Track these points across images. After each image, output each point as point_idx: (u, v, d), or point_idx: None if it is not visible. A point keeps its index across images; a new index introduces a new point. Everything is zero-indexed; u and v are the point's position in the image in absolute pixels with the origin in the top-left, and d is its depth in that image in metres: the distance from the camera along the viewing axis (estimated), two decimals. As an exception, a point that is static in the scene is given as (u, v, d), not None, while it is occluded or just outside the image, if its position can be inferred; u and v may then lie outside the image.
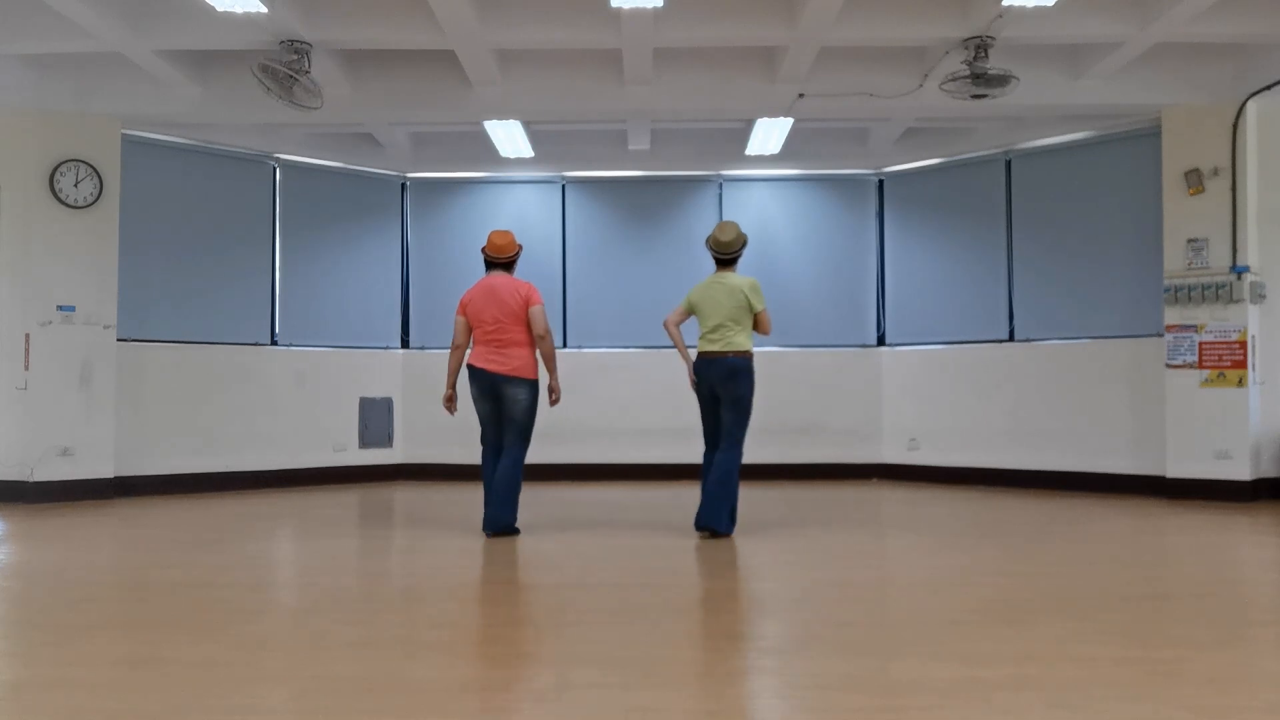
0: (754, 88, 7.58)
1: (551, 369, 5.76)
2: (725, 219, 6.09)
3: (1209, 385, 7.27)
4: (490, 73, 7.28)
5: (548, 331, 5.70)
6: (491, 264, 5.85)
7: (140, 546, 5.46)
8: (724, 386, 5.55)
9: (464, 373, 5.78)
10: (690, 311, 5.76)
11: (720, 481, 5.51)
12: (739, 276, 5.68)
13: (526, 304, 5.67)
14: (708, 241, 5.78)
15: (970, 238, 8.86)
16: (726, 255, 5.71)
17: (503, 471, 5.62)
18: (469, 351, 5.78)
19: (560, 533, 5.81)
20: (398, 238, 9.56)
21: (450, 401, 5.83)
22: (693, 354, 5.76)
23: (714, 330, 5.60)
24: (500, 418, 5.70)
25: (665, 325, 5.77)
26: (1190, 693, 2.68)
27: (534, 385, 5.70)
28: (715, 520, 5.51)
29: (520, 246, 5.94)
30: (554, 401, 5.80)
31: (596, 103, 7.72)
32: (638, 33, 6.55)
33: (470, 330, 5.74)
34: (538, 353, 5.75)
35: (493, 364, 5.62)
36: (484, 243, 5.95)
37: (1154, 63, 7.21)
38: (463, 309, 5.76)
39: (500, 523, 5.62)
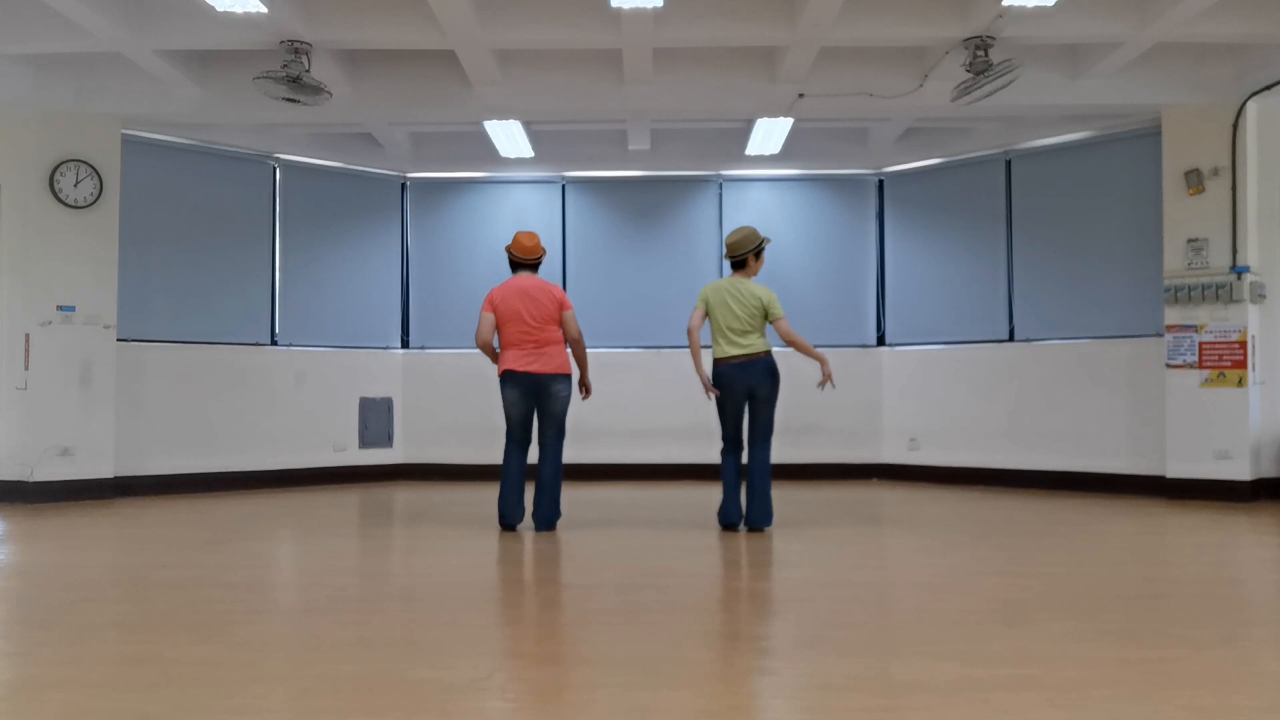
0: (754, 88, 7.58)
1: (585, 368, 6.01)
2: (740, 225, 6.41)
3: (1209, 385, 7.27)
4: (490, 73, 7.28)
5: (581, 335, 5.93)
6: (518, 264, 5.96)
7: (140, 546, 5.46)
8: (763, 385, 5.72)
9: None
10: (706, 311, 5.86)
11: (764, 478, 5.73)
12: (756, 286, 5.80)
13: (561, 307, 5.84)
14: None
15: (970, 238, 8.86)
16: (733, 256, 5.86)
17: (551, 475, 5.85)
18: (502, 355, 5.84)
19: (561, 533, 5.81)
20: (398, 238, 9.56)
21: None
22: (704, 354, 5.82)
23: (738, 335, 5.72)
24: (539, 416, 5.85)
25: (689, 333, 5.82)
26: (1190, 693, 2.68)
27: (570, 380, 5.90)
28: (761, 518, 5.72)
29: (545, 250, 6.05)
30: (586, 396, 6.05)
31: (596, 103, 7.72)
32: (638, 33, 6.55)
33: (495, 327, 5.81)
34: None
35: (534, 365, 5.75)
36: (509, 242, 6.03)
37: (1154, 63, 7.21)
38: (491, 306, 5.81)
39: (551, 522, 5.83)
